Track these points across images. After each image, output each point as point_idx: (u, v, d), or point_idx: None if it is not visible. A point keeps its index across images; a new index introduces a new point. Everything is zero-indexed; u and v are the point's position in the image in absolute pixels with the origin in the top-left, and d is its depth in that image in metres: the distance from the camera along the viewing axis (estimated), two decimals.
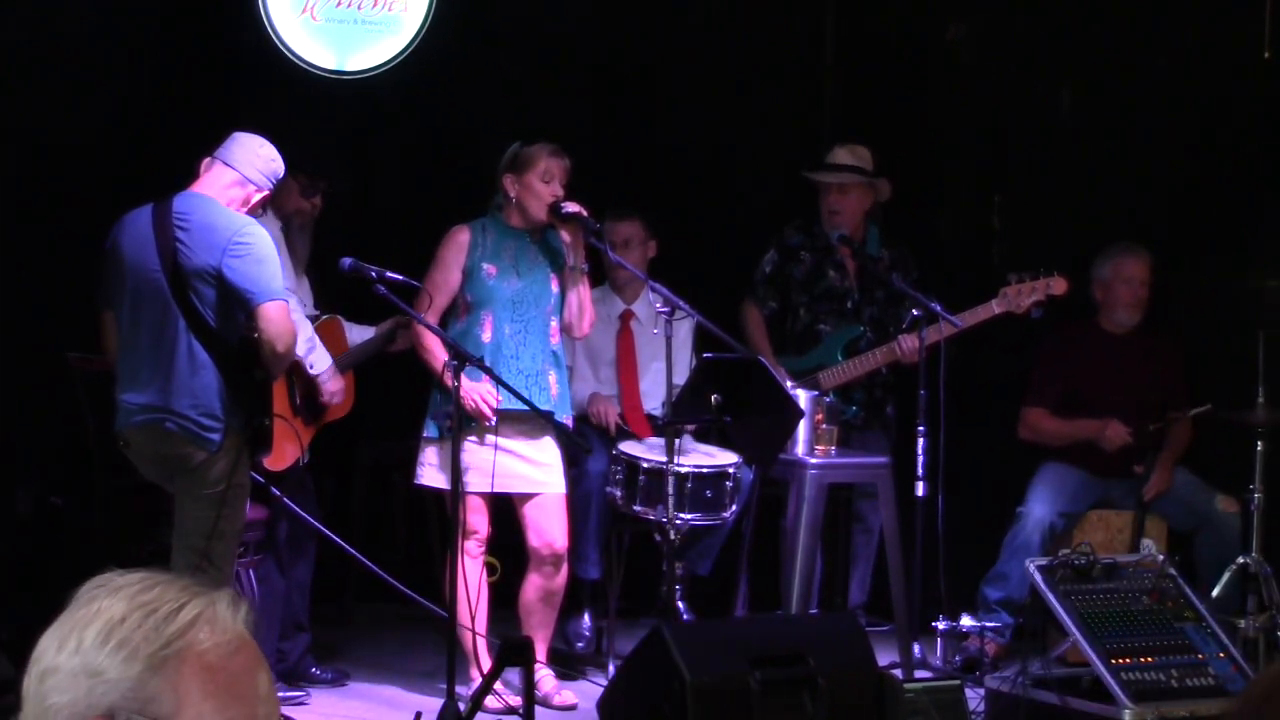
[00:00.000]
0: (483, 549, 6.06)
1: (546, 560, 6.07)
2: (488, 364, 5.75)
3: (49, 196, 6.56)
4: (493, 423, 5.89)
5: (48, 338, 6.30)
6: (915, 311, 6.68)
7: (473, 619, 5.85)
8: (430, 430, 6.02)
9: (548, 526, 6.05)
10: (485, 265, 6.03)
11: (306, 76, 6.77)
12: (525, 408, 5.81)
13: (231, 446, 5.31)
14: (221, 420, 5.29)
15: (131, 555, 5.63)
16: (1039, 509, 6.82)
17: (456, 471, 5.64)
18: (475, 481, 5.87)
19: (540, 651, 6.02)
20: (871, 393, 7.23)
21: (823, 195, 7.20)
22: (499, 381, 5.73)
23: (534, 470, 6.02)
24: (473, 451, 5.88)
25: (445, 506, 5.91)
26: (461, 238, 6.06)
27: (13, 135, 6.57)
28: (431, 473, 6.04)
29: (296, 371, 5.92)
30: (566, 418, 6.14)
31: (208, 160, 5.46)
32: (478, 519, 5.99)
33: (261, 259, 5.29)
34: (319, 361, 5.94)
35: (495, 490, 5.97)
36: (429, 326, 5.86)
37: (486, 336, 6.00)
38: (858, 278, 7.26)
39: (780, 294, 7.28)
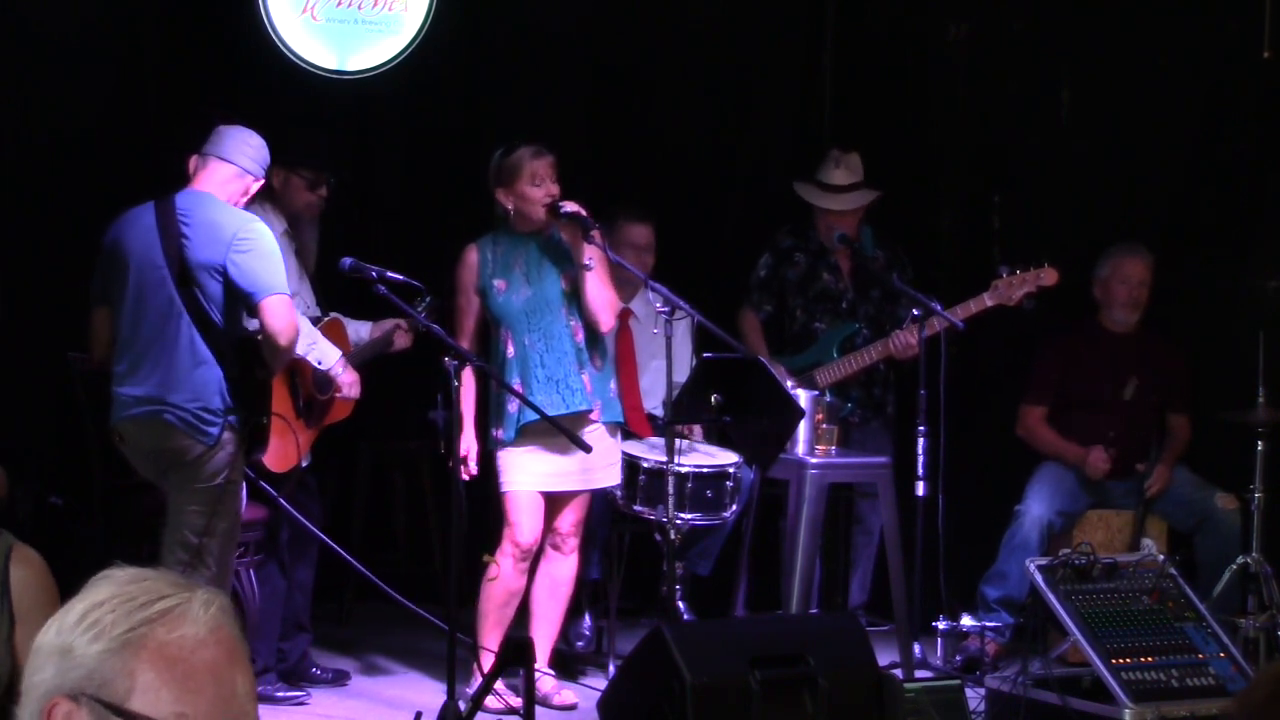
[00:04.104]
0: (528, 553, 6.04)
1: (548, 543, 6.07)
2: (517, 377, 5.86)
3: (48, 196, 6.56)
4: (473, 475, 5.92)
5: (47, 338, 6.29)
6: (915, 311, 6.67)
7: (475, 619, 5.85)
8: (507, 433, 5.93)
9: (562, 510, 6.04)
10: (495, 282, 6.00)
11: (306, 76, 6.77)
12: (565, 411, 5.87)
13: (227, 442, 5.32)
14: (219, 415, 5.30)
15: (130, 555, 5.63)
16: (1037, 507, 6.82)
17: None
18: (547, 481, 5.94)
19: (543, 652, 6.01)
20: (870, 391, 7.23)
21: (820, 213, 7.18)
22: (513, 394, 5.78)
23: (589, 469, 6.01)
24: (536, 453, 5.91)
25: (502, 510, 5.93)
26: (470, 258, 6.04)
27: (13, 135, 6.57)
28: (515, 477, 5.96)
29: (299, 373, 5.91)
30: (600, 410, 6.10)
31: (197, 158, 5.47)
32: (532, 521, 5.98)
33: (265, 254, 5.33)
34: (326, 356, 5.89)
35: (561, 489, 6.00)
36: (432, 329, 5.82)
37: (510, 352, 5.97)
38: (852, 278, 7.25)
39: (775, 297, 7.27)
